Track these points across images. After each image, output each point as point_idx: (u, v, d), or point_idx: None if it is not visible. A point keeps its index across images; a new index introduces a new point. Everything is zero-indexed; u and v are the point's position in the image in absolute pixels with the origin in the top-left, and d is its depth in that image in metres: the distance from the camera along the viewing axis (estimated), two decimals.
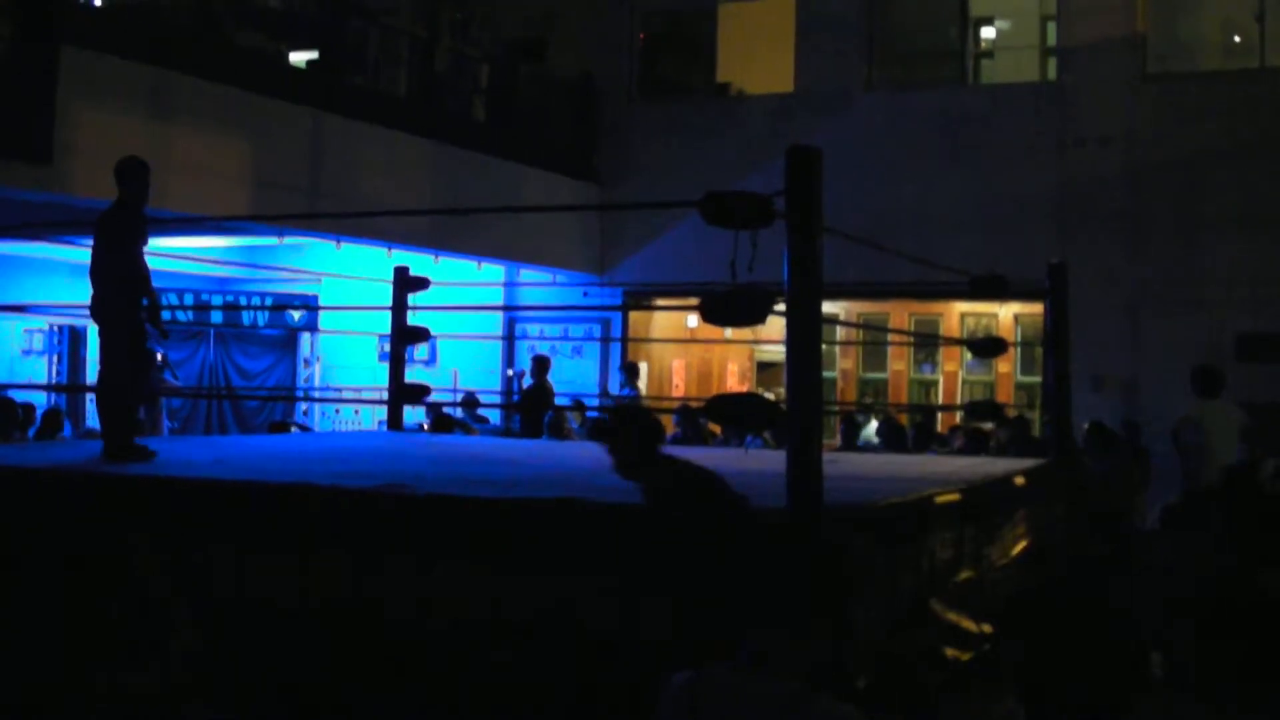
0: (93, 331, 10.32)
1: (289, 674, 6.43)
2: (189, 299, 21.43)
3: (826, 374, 19.10)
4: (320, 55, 17.74)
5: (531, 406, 17.03)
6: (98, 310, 8.72)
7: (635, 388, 18.52)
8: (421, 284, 12.35)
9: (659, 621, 5.74)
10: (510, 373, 21.24)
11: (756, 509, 5.88)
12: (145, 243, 8.86)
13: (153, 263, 9.02)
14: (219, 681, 6.50)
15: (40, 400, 17.30)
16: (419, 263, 15.09)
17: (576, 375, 19.70)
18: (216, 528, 6.74)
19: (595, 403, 18.60)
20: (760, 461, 8.91)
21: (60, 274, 19.22)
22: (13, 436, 13.18)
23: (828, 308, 6.56)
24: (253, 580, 6.59)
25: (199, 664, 6.53)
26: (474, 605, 6.11)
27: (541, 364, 17.40)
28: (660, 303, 21.63)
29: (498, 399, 19.96)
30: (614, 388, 18.87)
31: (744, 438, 12.73)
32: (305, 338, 22.85)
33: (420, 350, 19.16)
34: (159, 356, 16.41)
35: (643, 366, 21.87)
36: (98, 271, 8.72)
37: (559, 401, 17.68)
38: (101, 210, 8.94)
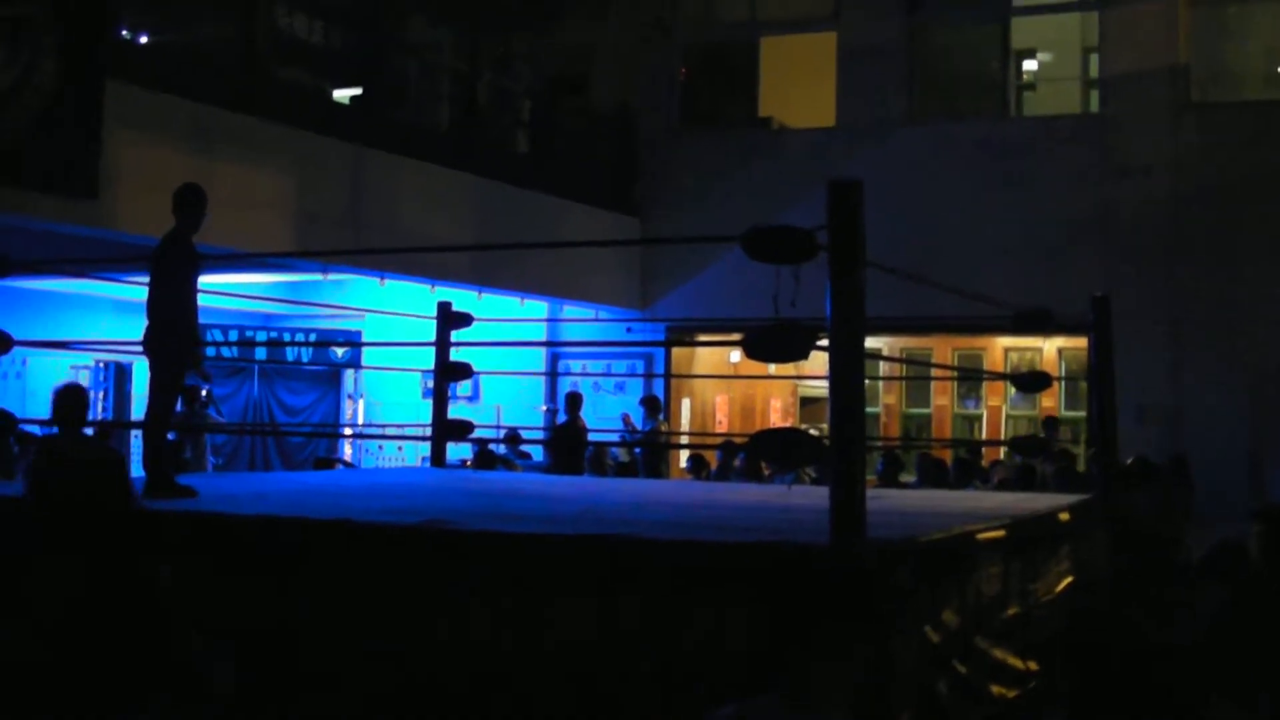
0: (139, 368, 10.36)
1: (327, 710, 6.43)
2: (233, 335, 21.51)
3: (869, 409, 19.04)
4: (363, 91, 17.83)
5: (564, 443, 16.99)
6: (146, 344, 8.78)
7: (655, 421, 18.45)
8: (465, 320, 12.38)
9: (698, 654, 5.73)
10: (544, 408, 21.23)
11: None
12: (198, 276, 8.91)
13: (199, 299, 9.05)
14: (257, 717, 6.51)
15: None
16: (462, 299, 15.11)
17: (619, 411, 19.62)
18: (259, 563, 6.75)
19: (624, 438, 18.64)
20: (805, 497, 8.91)
21: (106, 310, 19.32)
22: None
23: (870, 343, 6.56)
24: (296, 616, 6.59)
25: (241, 699, 6.54)
26: (515, 638, 6.11)
27: (574, 401, 17.31)
28: (703, 338, 21.62)
29: (541, 435, 19.96)
30: (637, 422, 18.82)
31: (788, 474, 12.71)
32: (349, 374, 22.90)
33: (464, 387, 19.16)
34: (204, 393, 16.46)
35: (685, 402, 21.85)
36: (149, 305, 8.79)
37: (596, 438, 17.64)
38: (152, 244, 9.01)
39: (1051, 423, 18.08)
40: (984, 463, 16.16)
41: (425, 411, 13.81)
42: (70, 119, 12.42)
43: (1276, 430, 16.67)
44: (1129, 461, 13.76)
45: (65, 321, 19.05)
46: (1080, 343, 16.20)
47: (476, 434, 13.92)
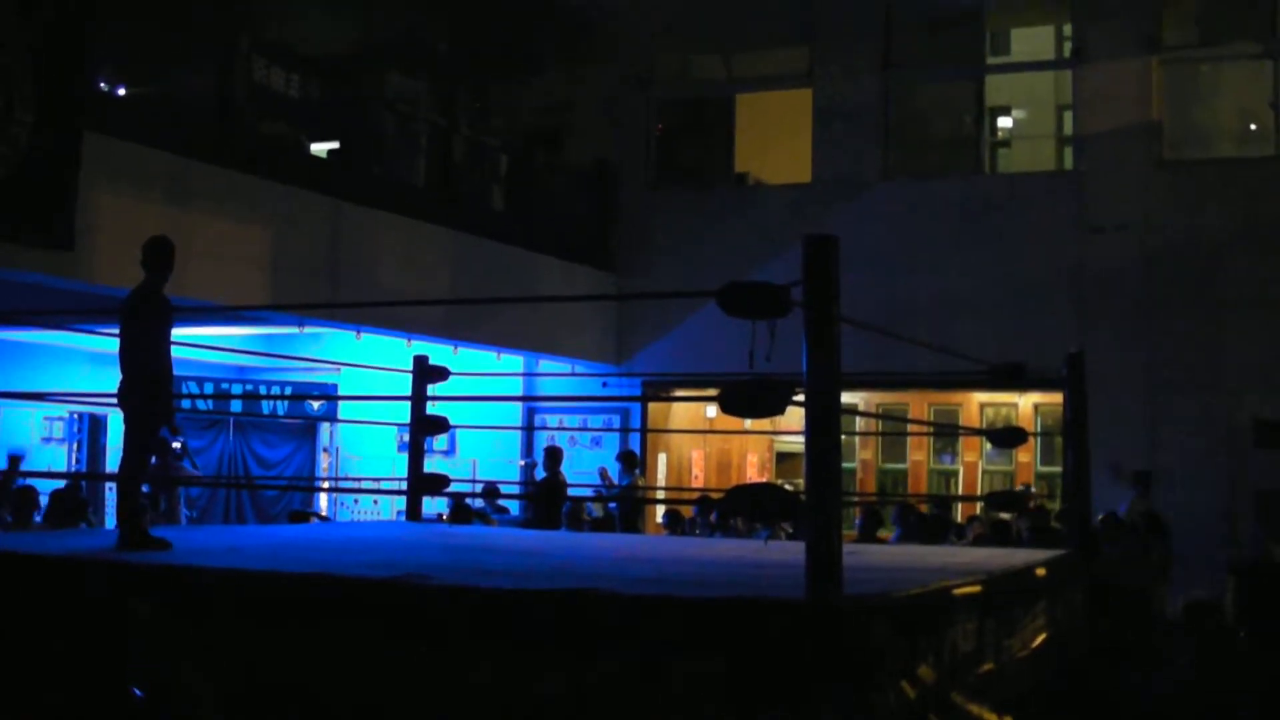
0: (114, 420, 10.33)
1: None
2: (208, 388, 21.45)
3: (846, 465, 19.06)
4: (340, 144, 17.84)
5: (545, 499, 16.93)
6: (121, 397, 8.75)
7: (632, 476, 18.42)
8: (441, 374, 12.34)
9: (675, 709, 5.70)
10: (521, 463, 21.19)
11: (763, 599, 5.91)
12: (170, 329, 8.88)
13: (173, 351, 9.02)
14: None
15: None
16: (438, 353, 15.11)
17: (595, 466, 19.58)
18: (233, 617, 6.71)
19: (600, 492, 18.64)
20: (781, 552, 8.90)
21: (80, 361, 19.27)
22: (34, 524, 13.17)
23: (846, 398, 6.57)
24: (268, 670, 6.55)
25: None
26: (492, 694, 6.08)
27: (554, 456, 17.23)
28: (679, 393, 21.63)
29: (517, 489, 19.91)
30: (614, 476, 18.80)
31: (764, 530, 12.72)
32: (324, 427, 22.86)
33: (440, 441, 19.12)
34: (177, 445, 16.39)
35: (661, 457, 21.83)
36: (122, 359, 8.76)
37: (573, 493, 17.59)
38: (123, 296, 8.98)
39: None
40: (960, 518, 16.18)
41: (401, 465, 13.78)
42: (47, 170, 12.40)
43: (1251, 484, 16.69)
44: (1100, 519, 13.80)
45: (39, 372, 19.00)
46: (1056, 398, 16.24)
47: (452, 488, 13.88)
